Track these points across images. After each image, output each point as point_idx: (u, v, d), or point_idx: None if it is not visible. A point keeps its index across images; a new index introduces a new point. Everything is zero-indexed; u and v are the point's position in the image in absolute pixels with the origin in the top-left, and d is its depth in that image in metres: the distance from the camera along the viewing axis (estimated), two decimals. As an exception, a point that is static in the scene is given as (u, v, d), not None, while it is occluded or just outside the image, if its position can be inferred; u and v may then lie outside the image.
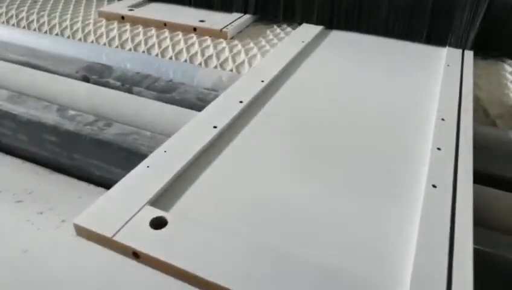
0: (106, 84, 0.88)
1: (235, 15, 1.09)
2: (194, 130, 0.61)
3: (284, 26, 1.10)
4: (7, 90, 0.84)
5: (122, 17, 1.08)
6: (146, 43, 1.01)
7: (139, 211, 0.45)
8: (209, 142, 0.58)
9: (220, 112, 0.65)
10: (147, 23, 1.06)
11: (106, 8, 1.13)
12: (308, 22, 1.04)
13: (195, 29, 1.00)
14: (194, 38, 1.00)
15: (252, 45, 0.98)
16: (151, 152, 0.64)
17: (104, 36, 1.05)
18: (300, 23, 1.06)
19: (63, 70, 0.92)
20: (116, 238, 0.41)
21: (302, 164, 0.57)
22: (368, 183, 0.53)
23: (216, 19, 1.05)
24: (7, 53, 0.99)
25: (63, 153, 0.75)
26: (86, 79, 0.90)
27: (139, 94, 0.85)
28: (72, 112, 0.76)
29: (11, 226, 0.58)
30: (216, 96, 0.74)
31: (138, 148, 0.67)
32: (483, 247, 0.53)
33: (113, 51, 1.00)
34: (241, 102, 0.68)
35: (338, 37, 1.00)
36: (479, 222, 0.52)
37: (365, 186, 0.53)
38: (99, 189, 0.70)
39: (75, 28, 1.09)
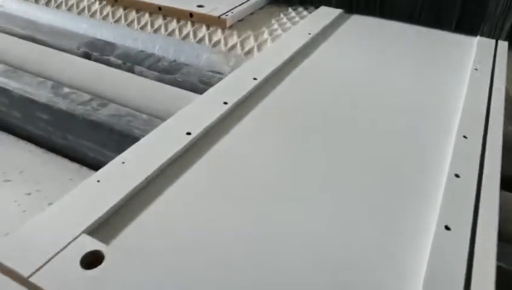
0: (107, 62, 0.83)
1: None
2: (163, 137, 0.50)
3: (300, 9, 1.02)
4: (5, 64, 0.80)
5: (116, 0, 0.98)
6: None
7: (72, 241, 0.35)
8: (177, 153, 0.47)
9: (199, 113, 0.54)
10: (140, 6, 0.95)
11: None
12: (327, 4, 0.97)
13: (191, 15, 0.89)
14: (188, 26, 0.90)
15: (262, 29, 0.91)
16: (143, 136, 0.59)
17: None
18: (317, 6, 0.98)
19: (64, 45, 0.88)
20: (33, 279, 0.31)
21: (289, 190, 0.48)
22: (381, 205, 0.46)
23: (218, 2, 0.94)
24: (10, 26, 0.96)
25: (56, 132, 0.71)
26: (87, 55, 0.86)
27: (140, 74, 0.80)
28: (66, 90, 0.72)
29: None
30: (220, 79, 0.68)
31: (131, 132, 0.62)
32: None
33: (117, 28, 0.94)
34: (225, 103, 0.57)
35: (358, 22, 0.92)
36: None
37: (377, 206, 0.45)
38: (92, 172, 0.65)
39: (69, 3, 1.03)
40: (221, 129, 0.53)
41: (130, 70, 0.81)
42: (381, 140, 0.55)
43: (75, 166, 0.70)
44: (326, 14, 0.93)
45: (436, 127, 0.58)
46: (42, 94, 0.70)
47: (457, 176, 0.48)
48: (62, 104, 0.68)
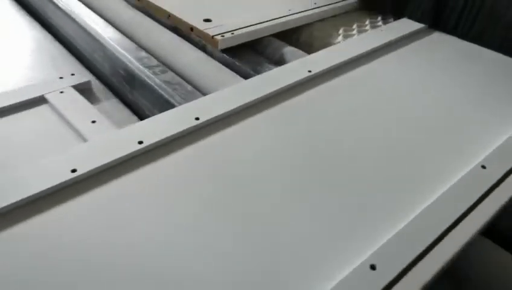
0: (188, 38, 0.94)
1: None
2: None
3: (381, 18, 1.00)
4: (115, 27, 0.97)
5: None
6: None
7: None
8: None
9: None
10: (154, 10, 0.96)
11: None
12: (411, 16, 0.92)
13: (192, 29, 0.87)
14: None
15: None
16: (180, 104, 0.68)
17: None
18: (399, 17, 0.95)
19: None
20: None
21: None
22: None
23: (231, 17, 0.89)
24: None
25: (127, 87, 0.85)
26: (175, 29, 0.98)
27: (210, 54, 0.89)
28: (143, 54, 0.85)
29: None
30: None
31: (170, 98, 0.72)
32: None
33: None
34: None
35: (436, 40, 0.87)
36: None
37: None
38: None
39: None
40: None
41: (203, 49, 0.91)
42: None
43: (134, 119, 0.82)
44: (406, 26, 0.89)
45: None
46: (125, 54, 0.84)
47: None
48: (134, 65, 0.81)
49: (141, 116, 0.80)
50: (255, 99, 0.62)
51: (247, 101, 0.61)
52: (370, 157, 0.55)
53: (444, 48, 0.84)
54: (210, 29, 0.84)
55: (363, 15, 1.01)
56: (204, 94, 0.72)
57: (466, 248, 0.45)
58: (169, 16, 0.91)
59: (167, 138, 0.55)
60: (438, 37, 0.88)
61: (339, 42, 0.88)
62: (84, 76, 0.77)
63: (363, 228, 0.46)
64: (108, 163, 0.50)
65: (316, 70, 0.70)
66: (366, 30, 0.93)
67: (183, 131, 0.56)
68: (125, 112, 0.80)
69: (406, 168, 0.53)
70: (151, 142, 0.53)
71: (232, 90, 0.64)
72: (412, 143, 0.58)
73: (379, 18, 1.00)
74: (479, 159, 0.54)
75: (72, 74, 0.76)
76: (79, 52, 0.98)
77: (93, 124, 0.62)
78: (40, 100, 0.68)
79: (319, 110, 0.64)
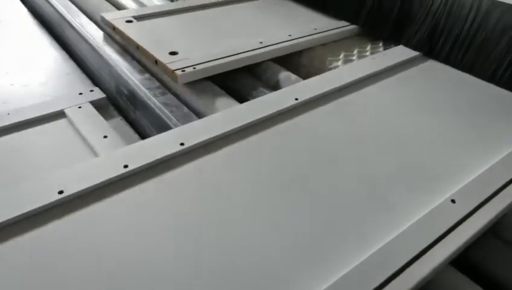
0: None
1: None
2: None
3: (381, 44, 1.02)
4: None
5: (114, 28, 1.00)
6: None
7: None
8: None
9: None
10: (126, 40, 0.95)
11: (110, 14, 1.06)
12: (407, 44, 0.94)
13: (156, 62, 0.86)
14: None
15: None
16: (175, 126, 0.73)
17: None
18: (397, 44, 0.97)
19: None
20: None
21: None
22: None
23: (200, 50, 0.88)
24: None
25: (131, 106, 0.90)
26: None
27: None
28: (147, 75, 0.89)
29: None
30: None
31: (166, 120, 0.76)
32: None
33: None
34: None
35: (430, 68, 0.88)
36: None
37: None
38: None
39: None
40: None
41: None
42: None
43: (135, 137, 0.87)
44: (400, 54, 0.91)
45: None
46: (129, 74, 0.89)
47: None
48: (136, 86, 0.86)
49: (143, 135, 0.84)
50: (239, 127, 0.66)
51: (230, 129, 0.65)
52: (343, 186, 0.57)
53: (436, 77, 0.85)
54: (172, 63, 0.83)
55: (365, 40, 1.04)
56: (199, 117, 0.76)
57: (432, 278, 0.47)
58: (138, 47, 0.91)
59: (152, 162, 0.59)
60: (431, 65, 0.89)
61: (338, 66, 0.91)
62: (101, 93, 0.84)
63: (331, 255, 0.48)
64: (94, 185, 0.54)
65: (303, 98, 0.73)
66: (367, 56, 0.96)
67: (168, 156, 0.60)
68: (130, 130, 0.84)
69: (377, 199, 0.55)
70: (136, 166, 0.57)
71: (216, 117, 0.68)
72: (385, 174, 0.60)
73: (380, 44, 1.02)
74: (450, 193, 0.56)
75: (91, 90, 0.84)
76: (90, 71, 1.04)
77: (105, 139, 0.69)
78: (60, 114, 0.76)
79: (301, 138, 0.66)
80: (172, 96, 0.83)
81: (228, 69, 0.87)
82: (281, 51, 0.94)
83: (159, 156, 0.59)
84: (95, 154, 0.66)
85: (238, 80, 0.89)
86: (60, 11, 1.17)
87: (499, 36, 0.80)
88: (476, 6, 0.83)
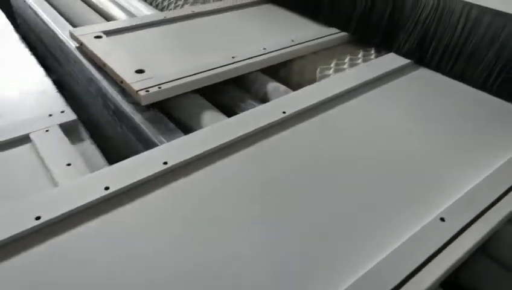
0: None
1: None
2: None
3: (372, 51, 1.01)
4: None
5: (81, 44, 0.96)
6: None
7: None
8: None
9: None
10: (94, 57, 0.91)
11: (79, 29, 1.01)
12: (398, 51, 0.93)
13: (121, 81, 0.82)
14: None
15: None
16: (160, 143, 0.71)
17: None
18: (388, 51, 0.96)
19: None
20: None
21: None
22: None
23: (166, 69, 0.84)
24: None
25: (117, 122, 0.88)
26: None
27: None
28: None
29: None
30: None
31: (151, 136, 0.74)
32: None
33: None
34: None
35: (421, 76, 0.87)
36: None
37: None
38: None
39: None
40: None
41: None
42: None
43: (103, 163, 0.75)
44: (391, 62, 0.90)
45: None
46: (115, 89, 0.88)
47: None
48: (121, 101, 0.84)
49: (131, 150, 0.83)
50: (223, 143, 0.64)
51: (213, 146, 0.63)
52: (329, 203, 0.56)
53: (427, 85, 0.84)
54: (137, 83, 0.79)
55: (357, 47, 1.02)
56: (185, 132, 0.74)
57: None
58: (104, 65, 0.87)
59: (134, 183, 0.57)
60: (422, 73, 0.88)
61: (330, 75, 0.90)
62: (73, 114, 0.78)
63: (319, 277, 0.46)
64: (74, 209, 0.53)
65: (291, 111, 0.72)
66: (358, 64, 0.94)
67: (150, 176, 0.58)
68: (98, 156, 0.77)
69: (362, 218, 0.54)
70: (116, 189, 0.56)
71: (200, 134, 0.67)
72: (372, 191, 0.58)
73: (372, 51, 1.00)
74: (439, 210, 0.54)
75: (62, 111, 0.79)
76: (76, 86, 1.03)
77: (68, 167, 0.64)
78: (24, 139, 0.71)
79: (289, 153, 0.65)
80: (157, 111, 0.81)
81: (197, 87, 0.83)
82: (260, 64, 0.91)
83: (140, 177, 0.58)
84: (55, 184, 0.61)
85: (226, 92, 0.88)
86: (47, 21, 1.15)
87: (489, 43, 0.79)
88: (465, 12, 0.82)
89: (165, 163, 0.60)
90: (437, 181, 0.60)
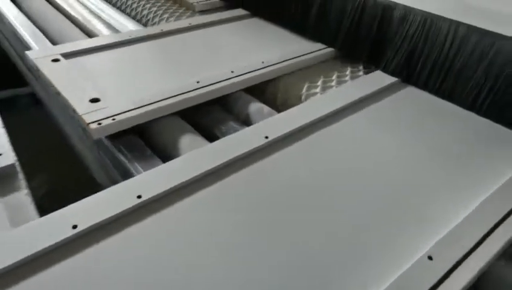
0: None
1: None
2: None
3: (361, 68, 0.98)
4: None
5: (37, 68, 0.87)
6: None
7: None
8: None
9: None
10: (49, 85, 0.82)
11: (35, 52, 0.93)
12: (385, 69, 0.91)
13: (74, 111, 0.74)
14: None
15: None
16: (136, 172, 0.68)
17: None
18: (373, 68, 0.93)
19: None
20: None
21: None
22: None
23: (120, 99, 0.76)
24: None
25: (96, 148, 0.84)
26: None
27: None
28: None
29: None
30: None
31: (128, 165, 0.71)
32: None
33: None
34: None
35: (408, 95, 0.85)
36: None
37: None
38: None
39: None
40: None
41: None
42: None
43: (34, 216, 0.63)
44: (377, 81, 0.87)
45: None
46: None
47: None
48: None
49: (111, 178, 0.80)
50: (200, 174, 0.61)
51: (189, 177, 0.60)
52: (307, 240, 0.53)
53: (414, 105, 0.81)
54: (89, 114, 0.71)
55: (344, 64, 1.00)
56: (163, 159, 0.71)
57: None
58: (59, 93, 0.78)
59: (104, 220, 0.54)
60: (409, 92, 0.86)
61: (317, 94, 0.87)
62: (8, 158, 0.66)
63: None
64: (39, 251, 0.49)
65: (273, 135, 0.69)
66: (346, 81, 0.92)
67: (123, 212, 0.55)
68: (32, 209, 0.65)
69: (346, 256, 0.51)
70: (86, 227, 0.52)
71: (175, 165, 0.63)
72: (355, 226, 0.55)
73: (360, 67, 0.98)
74: (426, 248, 0.51)
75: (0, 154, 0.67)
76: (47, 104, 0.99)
77: None
78: None
79: (271, 184, 0.62)
80: (135, 136, 0.78)
81: (159, 116, 0.76)
82: (232, 86, 0.85)
83: (112, 213, 0.54)
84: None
85: (207, 114, 0.84)
86: (22, 35, 1.11)
87: (477, 62, 0.76)
88: (453, 30, 0.79)
89: (139, 197, 0.57)
90: (424, 213, 0.57)
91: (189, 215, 0.56)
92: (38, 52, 0.93)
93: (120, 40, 1.00)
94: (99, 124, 0.70)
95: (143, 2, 1.31)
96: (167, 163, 0.64)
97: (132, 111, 0.74)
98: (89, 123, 0.70)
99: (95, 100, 0.76)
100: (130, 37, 1.01)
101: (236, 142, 0.68)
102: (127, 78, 0.86)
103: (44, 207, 0.63)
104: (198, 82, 0.83)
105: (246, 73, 0.89)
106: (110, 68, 0.89)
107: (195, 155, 0.65)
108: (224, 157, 0.64)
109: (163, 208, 0.57)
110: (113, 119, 0.71)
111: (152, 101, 0.76)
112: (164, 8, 1.28)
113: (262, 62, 0.93)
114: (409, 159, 0.67)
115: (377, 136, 0.72)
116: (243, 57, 0.96)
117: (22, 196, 0.64)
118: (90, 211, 0.54)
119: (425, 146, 0.70)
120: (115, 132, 0.72)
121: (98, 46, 0.96)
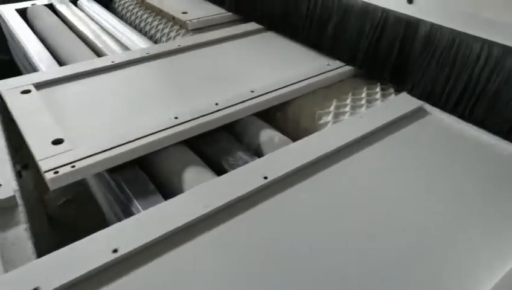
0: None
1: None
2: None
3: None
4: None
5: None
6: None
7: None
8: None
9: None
10: (13, 121, 0.72)
11: (3, 82, 0.82)
12: (410, 91, 0.81)
13: (34, 156, 0.65)
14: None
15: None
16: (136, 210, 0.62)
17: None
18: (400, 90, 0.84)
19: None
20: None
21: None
22: None
23: (98, 135, 0.67)
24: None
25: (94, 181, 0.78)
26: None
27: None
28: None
29: None
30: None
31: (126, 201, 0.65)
32: None
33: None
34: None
35: (434, 122, 0.75)
36: None
37: None
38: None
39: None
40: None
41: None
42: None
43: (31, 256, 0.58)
44: (402, 105, 0.78)
45: None
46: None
47: None
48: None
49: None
50: (195, 219, 0.53)
51: (176, 226, 0.52)
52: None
53: (442, 133, 0.73)
54: (47, 160, 0.61)
55: (360, 84, 0.91)
56: (165, 197, 0.64)
57: None
58: (22, 133, 0.69)
59: (80, 276, 0.47)
60: (436, 117, 0.77)
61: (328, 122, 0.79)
62: (9, 191, 0.60)
63: None
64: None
65: (273, 175, 0.60)
66: (362, 105, 0.83)
67: (99, 267, 0.49)
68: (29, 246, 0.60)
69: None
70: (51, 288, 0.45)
71: (159, 212, 0.55)
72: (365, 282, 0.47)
73: (378, 89, 0.89)
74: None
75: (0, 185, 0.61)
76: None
77: None
78: None
79: (271, 229, 0.54)
80: (137, 169, 0.72)
81: (127, 160, 0.65)
82: (232, 115, 0.77)
83: (92, 267, 0.48)
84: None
85: (216, 143, 0.77)
86: (32, 58, 1.08)
87: (515, 86, 0.66)
88: (486, 50, 0.69)
89: (115, 251, 0.49)
90: (449, 276, 0.48)
91: (181, 266, 0.49)
92: (11, 81, 0.82)
93: (101, 66, 0.90)
94: (56, 172, 0.59)
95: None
96: (143, 212, 0.56)
97: (99, 155, 0.63)
98: (45, 171, 0.59)
99: (57, 142, 0.65)
100: (112, 63, 0.91)
101: (233, 182, 0.59)
102: (101, 112, 0.75)
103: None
104: (176, 118, 0.73)
105: (265, 94, 0.82)
106: (83, 100, 0.79)
107: (188, 197, 0.58)
108: (221, 199, 0.56)
109: (142, 264, 0.50)
110: (73, 167, 0.60)
111: (130, 140, 0.66)
112: (161, 26, 1.24)
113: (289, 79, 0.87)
114: (435, 201, 0.59)
115: (398, 175, 0.64)
116: (260, 76, 0.89)
117: (20, 232, 0.59)
118: (53, 271, 0.47)
119: (455, 184, 0.62)
120: (75, 181, 0.61)
121: (74, 74, 0.86)
